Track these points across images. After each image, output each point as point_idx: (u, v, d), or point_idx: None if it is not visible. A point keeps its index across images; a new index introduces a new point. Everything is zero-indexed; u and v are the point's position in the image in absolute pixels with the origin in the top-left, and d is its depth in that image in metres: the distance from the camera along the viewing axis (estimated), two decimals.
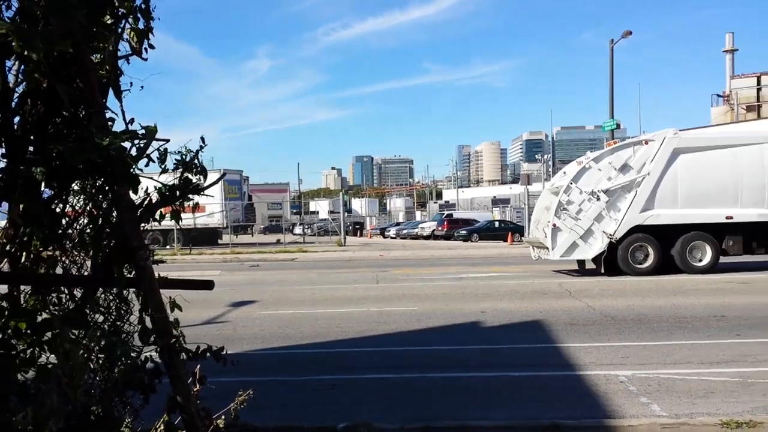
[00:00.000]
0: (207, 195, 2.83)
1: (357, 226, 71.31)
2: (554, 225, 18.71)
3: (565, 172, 21.66)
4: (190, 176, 2.61)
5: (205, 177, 2.68)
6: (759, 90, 75.52)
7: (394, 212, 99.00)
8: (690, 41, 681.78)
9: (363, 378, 8.27)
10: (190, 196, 2.63)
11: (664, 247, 19.01)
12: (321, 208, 79.85)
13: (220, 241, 44.96)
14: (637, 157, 18.99)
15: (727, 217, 18.99)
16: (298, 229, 63.38)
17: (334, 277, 21.44)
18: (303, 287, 18.51)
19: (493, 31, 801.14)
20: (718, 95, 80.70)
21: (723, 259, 19.54)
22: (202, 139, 2.71)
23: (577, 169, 19.36)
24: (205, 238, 42.44)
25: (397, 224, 69.69)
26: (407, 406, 7.01)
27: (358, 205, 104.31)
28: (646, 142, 19.29)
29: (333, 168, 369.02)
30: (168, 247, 37.87)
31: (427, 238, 54.82)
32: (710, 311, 12.32)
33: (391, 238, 59.87)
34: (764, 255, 19.84)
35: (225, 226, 42.72)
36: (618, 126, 36.11)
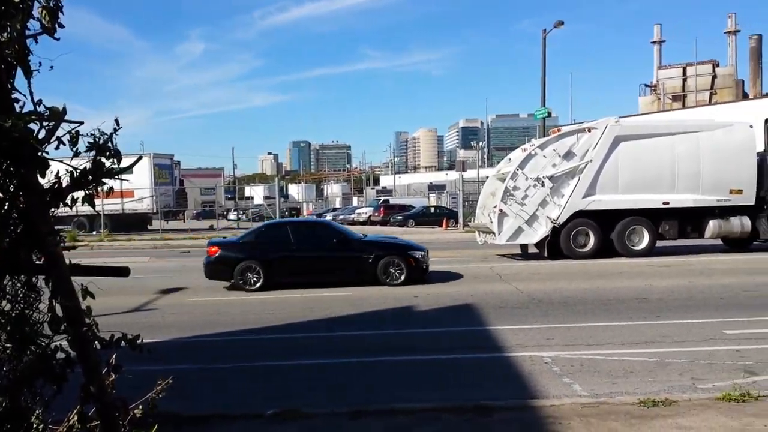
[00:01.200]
0: (124, 179, 2.74)
1: (293, 212, 70.69)
2: (501, 210, 19.07)
3: (510, 159, 22.07)
4: (102, 160, 2.54)
5: (119, 161, 2.61)
6: (684, 80, 78.47)
7: (331, 198, 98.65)
8: (620, 32, 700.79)
9: (295, 364, 8.26)
10: (104, 180, 2.55)
11: (604, 231, 19.60)
12: (256, 193, 78.72)
13: (150, 227, 43.84)
14: (581, 144, 19.47)
15: (664, 203, 19.69)
16: (232, 215, 62.38)
17: None
18: None
19: (431, 18, 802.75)
20: (646, 85, 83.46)
21: (659, 243, 20.19)
22: (116, 121, 2.62)
23: (523, 156, 19.72)
24: (135, 223, 41.27)
25: (334, 210, 69.38)
26: (339, 391, 7.04)
27: (295, 190, 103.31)
28: (589, 130, 19.78)
29: (269, 153, 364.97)
30: (95, 232, 36.67)
31: (363, 223, 54.80)
32: (633, 294, 12.79)
33: None
34: (697, 239, 20.66)
35: (155, 211, 41.55)
36: (549, 114, 36.80)
